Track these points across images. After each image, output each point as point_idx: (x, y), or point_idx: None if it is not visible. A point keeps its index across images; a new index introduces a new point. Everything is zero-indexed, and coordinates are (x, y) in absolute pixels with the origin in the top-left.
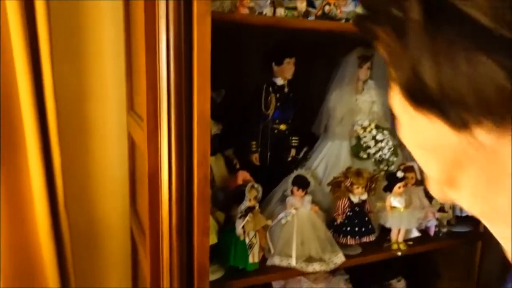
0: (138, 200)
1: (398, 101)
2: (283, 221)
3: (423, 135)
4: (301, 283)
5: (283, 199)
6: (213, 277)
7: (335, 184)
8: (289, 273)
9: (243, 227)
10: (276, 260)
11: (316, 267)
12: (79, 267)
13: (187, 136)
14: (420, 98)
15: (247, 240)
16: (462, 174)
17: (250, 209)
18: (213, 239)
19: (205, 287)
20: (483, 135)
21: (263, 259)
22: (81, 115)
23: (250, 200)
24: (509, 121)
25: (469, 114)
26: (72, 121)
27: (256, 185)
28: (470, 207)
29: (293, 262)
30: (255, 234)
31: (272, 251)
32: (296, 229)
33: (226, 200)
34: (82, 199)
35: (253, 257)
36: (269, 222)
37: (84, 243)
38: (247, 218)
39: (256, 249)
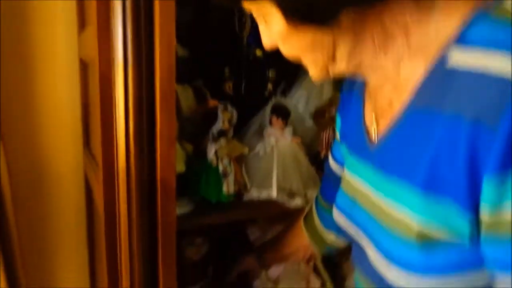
0: (92, 140)
1: (281, 35)
2: (261, 153)
3: (306, 43)
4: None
5: (260, 131)
6: (180, 211)
7: (319, 114)
8: (268, 208)
9: (215, 152)
10: (254, 193)
11: (298, 202)
12: (23, 222)
13: (146, 19)
14: (307, 15)
15: (220, 168)
16: (338, 49)
17: (223, 133)
18: (180, 167)
19: (171, 212)
20: (346, 21)
21: (239, 196)
22: (23, 39)
23: (223, 122)
24: (361, 9)
25: (336, 10)
26: (12, 50)
27: (230, 108)
28: (347, 68)
29: (273, 194)
30: (229, 163)
31: (249, 185)
32: (277, 161)
33: (195, 129)
34: (26, 146)
35: (228, 187)
36: (246, 150)
37: (29, 196)
38: (221, 142)
39: (231, 178)
